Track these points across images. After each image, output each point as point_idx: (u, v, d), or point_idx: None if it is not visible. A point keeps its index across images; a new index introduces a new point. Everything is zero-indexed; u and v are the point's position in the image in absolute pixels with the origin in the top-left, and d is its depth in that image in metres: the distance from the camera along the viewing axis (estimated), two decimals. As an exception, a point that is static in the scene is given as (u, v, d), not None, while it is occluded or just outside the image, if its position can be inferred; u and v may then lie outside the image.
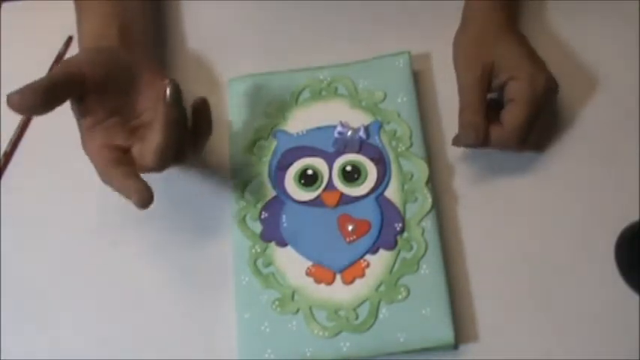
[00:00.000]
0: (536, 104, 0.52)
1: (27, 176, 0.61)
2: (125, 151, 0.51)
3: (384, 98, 0.58)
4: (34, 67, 0.65)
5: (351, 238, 0.53)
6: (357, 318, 0.50)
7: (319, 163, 0.56)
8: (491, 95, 0.55)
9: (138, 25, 0.59)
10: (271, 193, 0.55)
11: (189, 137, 0.52)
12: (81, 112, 0.51)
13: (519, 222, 0.54)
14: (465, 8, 0.58)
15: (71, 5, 0.61)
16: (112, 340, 0.53)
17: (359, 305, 0.50)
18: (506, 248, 0.53)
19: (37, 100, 0.48)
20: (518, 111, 0.52)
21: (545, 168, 0.55)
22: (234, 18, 0.66)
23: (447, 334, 0.49)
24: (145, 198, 0.48)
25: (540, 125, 0.53)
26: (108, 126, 0.51)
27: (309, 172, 0.55)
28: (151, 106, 0.52)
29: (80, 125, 0.51)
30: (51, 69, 0.65)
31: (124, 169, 0.49)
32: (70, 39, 0.67)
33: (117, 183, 0.49)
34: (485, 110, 0.53)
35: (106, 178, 0.50)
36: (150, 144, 0.49)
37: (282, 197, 0.55)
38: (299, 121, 0.58)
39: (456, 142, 0.53)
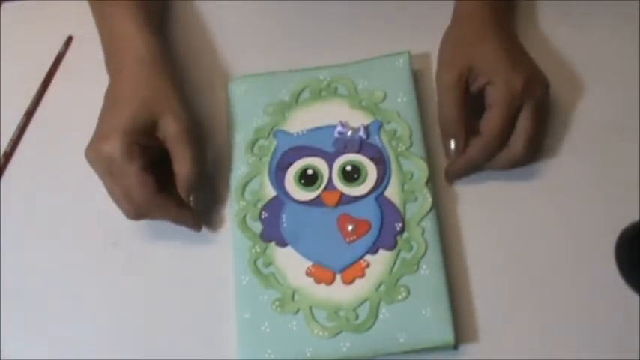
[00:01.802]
0: (512, 108, 0.51)
1: (27, 176, 0.61)
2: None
3: (384, 98, 0.57)
4: (34, 67, 0.65)
5: (351, 238, 0.53)
6: (357, 318, 0.50)
7: (319, 163, 0.56)
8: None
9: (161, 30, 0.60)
10: (271, 193, 0.55)
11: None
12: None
13: (519, 222, 0.54)
14: (455, 6, 0.58)
15: (71, 5, 0.61)
16: (111, 340, 0.53)
17: (359, 305, 0.50)
18: (506, 248, 0.53)
19: None
20: (494, 117, 0.51)
21: (544, 168, 0.55)
22: (234, 18, 0.66)
23: (447, 334, 0.49)
24: (199, 222, 0.54)
25: (525, 131, 0.52)
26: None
27: (309, 172, 0.55)
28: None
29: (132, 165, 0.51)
30: (51, 70, 0.65)
31: (171, 199, 0.53)
32: (69, 39, 0.67)
33: (172, 213, 0.53)
34: (463, 115, 0.52)
35: (152, 207, 0.52)
36: None
37: (282, 197, 0.55)
38: (299, 121, 0.58)
39: (449, 169, 0.55)
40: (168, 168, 0.53)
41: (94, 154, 0.51)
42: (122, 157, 0.50)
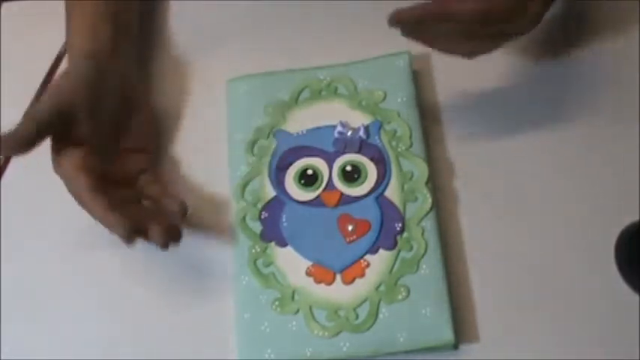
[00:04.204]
0: None
1: (27, 176, 0.61)
2: (103, 176, 0.51)
3: (384, 98, 0.58)
4: (34, 67, 0.65)
5: (351, 238, 0.53)
6: (357, 318, 0.50)
7: (319, 163, 0.56)
8: None
9: (129, 28, 0.60)
10: (271, 193, 0.55)
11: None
12: (60, 137, 0.51)
13: (519, 222, 0.54)
14: None
15: (71, 5, 0.61)
16: (111, 340, 0.53)
17: (359, 305, 0.50)
18: (506, 248, 0.53)
19: (21, 147, 0.49)
20: None
21: (544, 167, 0.55)
22: (233, 18, 0.66)
23: (447, 334, 0.49)
24: (130, 235, 0.49)
25: None
26: (88, 148, 0.51)
27: (309, 172, 0.55)
28: (138, 129, 0.55)
29: (53, 144, 0.51)
30: (50, 70, 0.65)
31: (104, 200, 0.49)
32: (70, 39, 0.67)
33: (97, 213, 0.50)
34: None
35: (83, 205, 0.50)
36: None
37: (282, 197, 0.55)
38: (299, 121, 0.58)
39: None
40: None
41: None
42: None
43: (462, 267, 0.52)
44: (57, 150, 0.52)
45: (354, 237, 0.53)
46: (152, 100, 0.61)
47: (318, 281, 0.52)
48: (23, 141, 0.49)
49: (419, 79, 0.59)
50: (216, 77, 0.62)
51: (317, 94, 0.59)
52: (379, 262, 0.52)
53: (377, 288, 0.51)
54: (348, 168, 0.55)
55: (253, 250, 0.53)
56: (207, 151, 0.59)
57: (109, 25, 0.57)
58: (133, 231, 0.49)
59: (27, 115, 0.50)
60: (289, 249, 0.53)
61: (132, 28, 0.61)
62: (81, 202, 0.51)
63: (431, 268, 0.51)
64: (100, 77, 0.53)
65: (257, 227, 0.54)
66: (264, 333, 0.50)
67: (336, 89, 0.59)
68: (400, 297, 0.50)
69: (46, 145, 0.61)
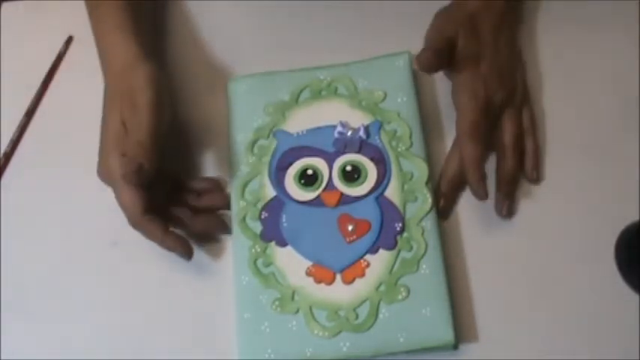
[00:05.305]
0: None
1: (27, 176, 0.61)
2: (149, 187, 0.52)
3: (384, 98, 0.58)
4: (34, 67, 0.65)
5: (351, 238, 0.53)
6: (357, 318, 0.50)
7: (319, 163, 0.56)
8: None
9: (147, 32, 0.60)
10: (271, 193, 0.55)
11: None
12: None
13: (519, 222, 0.54)
14: None
15: (71, 5, 0.61)
16: (111, 340, 0.53)
17: (359, 305, 0.50)
18: (506, 248, 0.53)
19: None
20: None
21: (543, 167, 0.55)
22: (234, 18, 0.66)
23: (447, 334, 0.49)
24: (190, 254, 0.52)
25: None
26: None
27: (309, 172, 0.55)
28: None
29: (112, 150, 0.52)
30: (51, 70, 0.65)
31: (160, 223, 0.51)
32: (70, 39, 0.67)
33: (156, 238, 0.52)
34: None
35: (138, 227, 0.52)
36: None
37: (282, 197, 0.55)
38: (299, 121, 0.58)
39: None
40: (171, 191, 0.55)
41: (100, 171, 0.52)
42: (118, 173, 0.51)
43: (462, 267, 0.52)
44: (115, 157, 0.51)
45: (354, 237, 0.53)
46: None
47: (318, 281, 0.52)
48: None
49: (419, 79, 0.59)
50: (216, 77, 0.62)
51: (317, 94, 0.59)
52: (379, 262, 0.52)
53: (377, 288, 0.51)
54: (348, 168, 0.55)
55: (253, 250, 0.53)
56: (208, 151, 0.59)
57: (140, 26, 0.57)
58: (191, 249, 0.52)
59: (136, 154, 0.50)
60: (289, 249, 0.53)
61: (149, 33, 0.61)
62: (136, 224, 0.51)
63: (431, 268, 0.51)
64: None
65: (257, 227, 0.54)
66: (264, 333, 0.50)
67: (336, 89, 0.59)
68: (400, 297, 0.50)
69: (45, 146, 0.62)
